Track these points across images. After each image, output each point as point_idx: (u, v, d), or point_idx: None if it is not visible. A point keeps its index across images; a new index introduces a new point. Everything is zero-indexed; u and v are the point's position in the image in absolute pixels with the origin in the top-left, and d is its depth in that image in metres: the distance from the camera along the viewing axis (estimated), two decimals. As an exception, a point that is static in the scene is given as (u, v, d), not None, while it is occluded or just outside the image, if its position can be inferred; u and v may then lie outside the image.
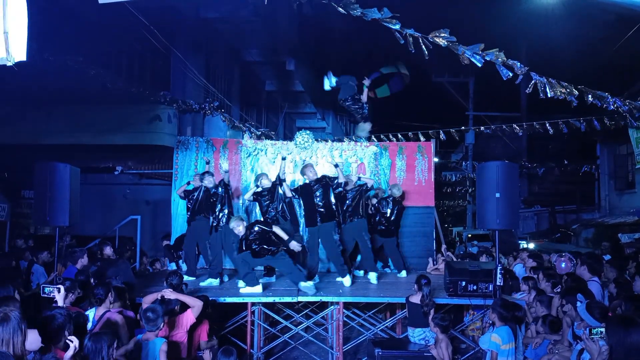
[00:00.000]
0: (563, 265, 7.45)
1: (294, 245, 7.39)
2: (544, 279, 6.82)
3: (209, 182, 8.26)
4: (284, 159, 8.96)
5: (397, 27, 6.10)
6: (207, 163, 9.01)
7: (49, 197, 6.31)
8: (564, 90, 6.99)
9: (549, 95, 6.90)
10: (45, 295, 4.67)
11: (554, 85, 6.95)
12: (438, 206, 14.43)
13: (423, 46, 6.24)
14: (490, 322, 5.81)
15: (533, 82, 6.85)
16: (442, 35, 6.28)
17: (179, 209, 9.56)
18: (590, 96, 7.35)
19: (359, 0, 6.21)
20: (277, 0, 6.28)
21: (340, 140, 11.48)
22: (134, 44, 12.50)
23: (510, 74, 6.58)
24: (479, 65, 6.52)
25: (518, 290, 7.29)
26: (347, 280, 7.91)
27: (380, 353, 6.06)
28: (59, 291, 4.58)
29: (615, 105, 7.81)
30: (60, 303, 4.52)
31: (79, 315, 4.41)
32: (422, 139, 13.50)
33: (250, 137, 12.10)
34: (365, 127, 10.56)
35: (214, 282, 7.90)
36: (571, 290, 5.30)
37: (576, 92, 7.15)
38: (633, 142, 15.11)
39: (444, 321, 5.98)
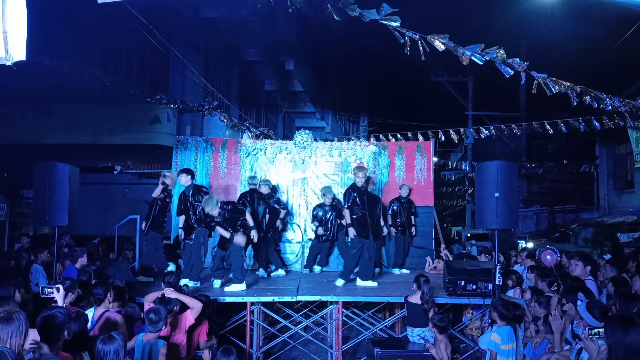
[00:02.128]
0: (548, 257, 7.45)
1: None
2: (540, 278, 6.82)
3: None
4: None
5: (397, 24, 6.09)
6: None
7: (48, 196, 6.31)
8: (566, 84, 6.98)
9: (554, 91, 6.89)
10: (45, 296, 4.67)
11: (557, 82, 6.96)
12: (437, 205, 14.44)
13: (421, 48, 6.25)
14: (490, 321, 5.82)
15: (536, 81, 6.84)
16: (442, 40, 6.29)
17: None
18: (588, 97, 7.35)
19: (358, 0, 6.21)
20: (277, 0, 6.27)
21: (340, 140, 11.49)
22: (133, 44, 12.48)
23: (512, 72, 6.58)
24: (480, 63, 6.53)
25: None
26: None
27: (379, 352, 6.06)
28: (58, 290, 4.58)
29: (612, 107, 7.81)
30: (60, 302, 4.52)
31: (80, 315, 4.41)
32: (421, 138, 13.51)
33: (250, 137, 12.09)
34: None
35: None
36: (572, 289, 5.30)
37: (578, 89, 7.15)
38: (632, 142, 15.12)
39: (442, 322, 5.97)
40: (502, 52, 6.49)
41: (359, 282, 7.91)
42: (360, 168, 8.33)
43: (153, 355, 4.77)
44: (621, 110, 8.10)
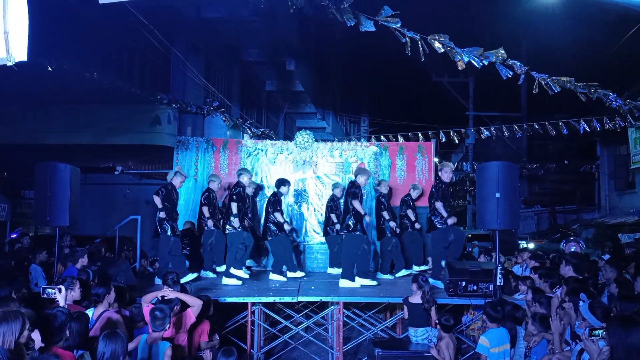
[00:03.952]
0: (573, 249, 7.45)
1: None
2: (542, 280, 6.81)
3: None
4: None
5: (398, 25, 6.10)
6: None
7: (49, 197, 6.32)
8: (566, 79, 6.97)
9: (555, 91, 6.89)
10: (47, 297, 4.67)
11: (558, 81, 6.95)
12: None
13: (421, 48, 6.26)
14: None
15: (537, 81, 6.84)
16: (441, 39, 6.29)
17: (179, 209, 9.54)
18: (593, 91, 7.29)
19: (359, 1, 6.22)
20: (278, 0, 6.29)
21: (340, 140, 11.48)
22: (134, 44, 12.49)
23: (511, 74, 6.59)
24: (478, 66, 6.54)
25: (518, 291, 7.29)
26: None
27: (380, 353, 6.05)
28: (60, 291, 4.58)
29: (616, 103, 7.77)
30: (62, 303, 4.52)
31: (81, 315, 4.41)
32: (422, 139, 13.50)
33: (251, 137, 12.08)
34: None
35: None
36: (575, 290, 5.29)
37: (580, 84, 7.13)
38: (631, 143, 15.12)
39: (448, 321, 5.97)
40: (502, 52, 6.48)
41: (357, 280, 7.90)
42: (363, 170, 8.45)
43: (153, 354, 4.76)
44: (623, 110, 8.07)
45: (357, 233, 7.94)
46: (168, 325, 4.87)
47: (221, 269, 8.38)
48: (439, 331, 6.02)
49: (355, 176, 8.25)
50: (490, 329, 5.40)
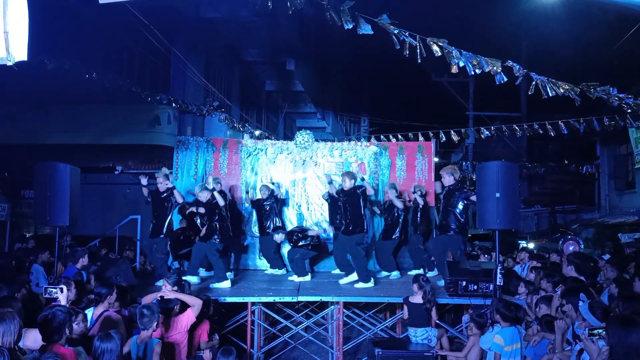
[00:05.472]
0: (571, 248, 7.43)
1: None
2: (545, 279, 6.81)
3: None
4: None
5: (396, 32, 6.14)
6: None
7: (49, 197, 6.33)
8: (566, 87, 6.97)
9: (550, 95, 6.90)
10: (49, 296, 4.68)
11: (555, 84, 6.96)
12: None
13: (418, 51, 6.28)
14: (490, 321, 5.82)
15: (534, 82, 6.85)
16: (440, 44, 6.32)
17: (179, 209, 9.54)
18: (593, 90, 7.27)
19: (359, 2, 6.23)
20: (278, 0, 6.29)
21: (340, 140, 11.47)
22: (134, 44, 12.51)
23: (505, 79, 6.59)
24: (471, 73, 6.57)
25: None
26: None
27: (380, 353, 6.05)
28: (61, 291, 4.59)
29: (618, 99, 7.73)
30: (63, 302, 4.53)
31: (77, 314, 4.41)
32: (421, 139, 13.50)
33: (251, 137, 12.08)
34: None
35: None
36: (572, 290, 5.29)
37: (577, 90, 7.12)
38: (632, 142, 15.14)
39: (481, 317, 5.98)
40: (498, 63, 6.50)
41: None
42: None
43: (148, 353, 4.76)
44: (626, 104, 7.98)
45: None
46: (155, 323, 4.86)
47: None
48: (472, 327, 6.01)
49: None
50: (503, 328, 5.42)
